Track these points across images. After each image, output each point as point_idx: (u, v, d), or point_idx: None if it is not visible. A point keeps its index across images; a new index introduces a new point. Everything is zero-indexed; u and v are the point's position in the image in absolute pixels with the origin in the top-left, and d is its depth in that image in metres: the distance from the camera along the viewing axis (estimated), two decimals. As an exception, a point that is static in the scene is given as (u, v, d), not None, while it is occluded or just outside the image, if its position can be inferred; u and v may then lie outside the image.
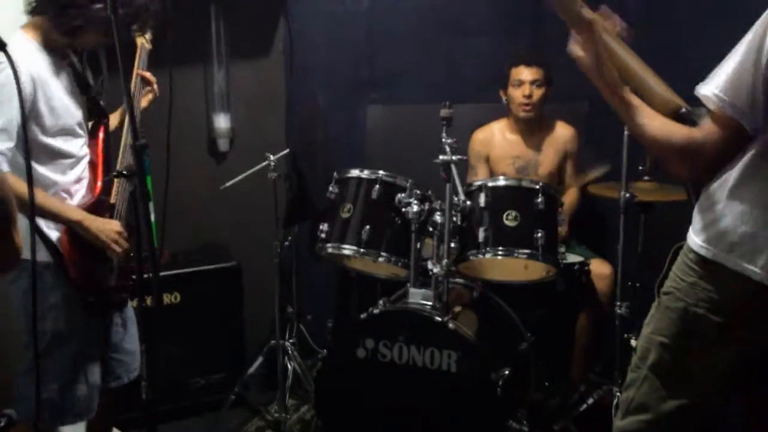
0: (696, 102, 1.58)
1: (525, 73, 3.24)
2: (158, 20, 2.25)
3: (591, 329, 3.15)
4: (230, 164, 3.46)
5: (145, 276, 2.00)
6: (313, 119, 3.44)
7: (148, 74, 2.41)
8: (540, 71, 3.22)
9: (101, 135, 2.36)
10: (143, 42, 2.38)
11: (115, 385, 2.44)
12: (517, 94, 3.26)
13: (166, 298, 3.15)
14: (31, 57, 2.10)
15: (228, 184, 2.97)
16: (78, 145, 2.25)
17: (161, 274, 3.09)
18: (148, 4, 2.17)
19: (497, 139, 3.41)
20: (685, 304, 1.63)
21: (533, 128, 3.35)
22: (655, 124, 1.60)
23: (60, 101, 2.16)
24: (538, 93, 3.24)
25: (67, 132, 2.20)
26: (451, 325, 2.51)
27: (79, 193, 2.26)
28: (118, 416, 2.64)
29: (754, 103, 1.44)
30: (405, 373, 2.54)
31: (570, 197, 3.34)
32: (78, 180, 2.26)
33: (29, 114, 2.04)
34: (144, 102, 2.46)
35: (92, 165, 2.32)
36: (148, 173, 3.26)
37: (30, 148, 2.03)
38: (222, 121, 3.45)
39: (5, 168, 1.94)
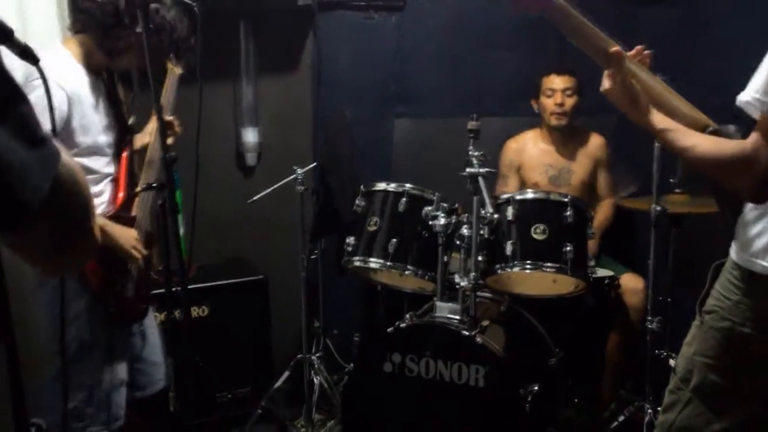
0: (723, 119, 1.56)
1: (557, 82, 3.23)
2: (193, 50, 2.27)
3: (622, 345, 3.10)
4: (258, 178, 3.48)
5: (173, 289, 2.02)
6: (341, 133, 3.44)
7: (170, 119, 2.39)
8: (572, 80, 3.22)
9: (126, 151, 2.37)
10: (173, 66, 2.39)
11: (141, 395, 2.45)
12: (550, 103, 3.25)
13: (194, 311, 3.16)
14: (71, 74, 2.13)
15: (255, 198, 2.99)
16: (104, 163, 2.27)
17: (189, 287, 3.13)
18: (189, 35, 2.20)
19: (530, 148, 3.39)
20: (731, 324, 1.58)
21: (566, 137, 3.34)
22: (703, 143, 1.57)
23: (93, 120, 2.19)
24: (570, 101, 3.23)
25: (95, 150, 2.22)
26: (478, 340, 2.48)
27: (100, 207, 2.28)
28: (147, 428, 2.65)
29: None
30: (432, 388, 2.51)
31: (603, 210, 3.31)
32: (98, 194, 2.27)
33: (61, 132, 2.04)
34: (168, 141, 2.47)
35: (114, 180, 2.33)
36: (177, 187, 3.33)
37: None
38: (250, 136, 3.48)
39: None
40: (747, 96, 1.46)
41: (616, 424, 2.90)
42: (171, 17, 2.14)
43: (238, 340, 3.22)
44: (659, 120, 1.65)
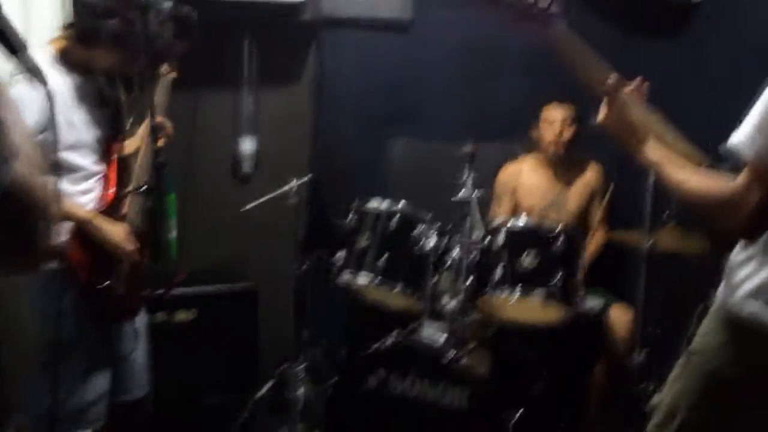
0: (716, 159, 1.57)
1: (557, 112, 3.25)
2: (177, 55, 2.27)
3: (608, 375, 3.09)
4: (254, 187, 3.48)
5: (158, 292, 2.02)
6: (338, 148, 3.46)
7: (162, 120, 2.38)
8: (571, 109, 3.23)
9: (117, 150, 2.38)
10: (166, 69, 2.40)
11: (125, 398, 2.43)
12: (549, 133, 3.27)
13: (182, 315, 3.16)
14: (54, 71, 2.14)
15: (249, 206, 2.99)
16: (92, 160, 2.28)
17: (178, 291, 3.13)
18: (172, 44, 2.19)
19: (526, 173, 3.41)
20: (715, 366, 1.57)
21: (563, 165, 3.35)
22: (695, 179, 1.58)
23: (77, 117, 2.20)
24: (568, 132, 3.25)
25: (80, 147, 2.22)
26: (463, 362, 2.48)
27: (88, 202, 2.27)
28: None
29: None
30: (415, 407, 2.52)
31: (594, 241, 3.32)
32: (87, 191, 2.27)
33: (45, 128, 2.06)
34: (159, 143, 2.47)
35: (105, 178, 2.33)
36: (171, 190, 3.34)
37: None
38: (248, 144, 3.49)
39: None
40: (738, 138, 1.47)
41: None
42: (155, 21, 2.12)
43: (225, 346, 3.20)
44: (655, 152, 1.66)
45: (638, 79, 1.74)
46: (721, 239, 1.67)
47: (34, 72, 1.04)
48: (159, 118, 2.33)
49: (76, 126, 2.19)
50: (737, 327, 1.54)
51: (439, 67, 3.60)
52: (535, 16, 1.51)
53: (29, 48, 0.99)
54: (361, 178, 3.54)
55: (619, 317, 3.05)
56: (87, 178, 2.26)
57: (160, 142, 2.33)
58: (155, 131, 2.03)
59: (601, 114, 1.70)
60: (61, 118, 2.11)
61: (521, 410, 2.51)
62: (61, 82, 2.16)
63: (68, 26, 2.19)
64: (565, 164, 3.35)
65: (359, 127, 3.56)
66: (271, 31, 3.41)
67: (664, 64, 3.40)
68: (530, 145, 3.42)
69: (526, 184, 3.38)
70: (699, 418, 1.61)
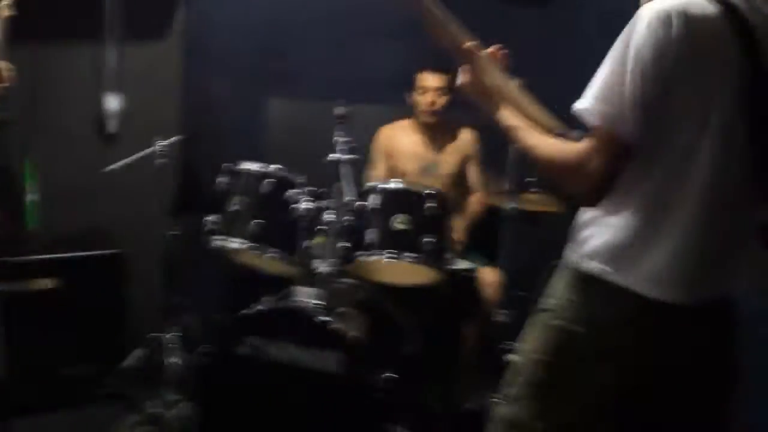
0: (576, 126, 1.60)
1: (430, 80, 3.26)
2: None
3: (477, 335, 3.19)
4: (120, 148, 3.31)
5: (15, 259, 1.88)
6: (209, 106, 3.33)
7: None
8: (444, 79, 3.24)
9: None
10: (2, 8, 2.19)
11: None
12: (421, 101, 3.29)
13: (42, 284, 2.99)
14: None
15: (112, 167, 2.84)
16: None
17: (39, 257, 2.95)
18: None
19: (401, 137, 3.42)
20: (563, 323, 1.61)
21: (436, 131, 3.38)
22: (544, 144, 1.62)
23: None
24: (441, 101, 3.27)
25: None
26: (334, 325, 2.48)
27: None
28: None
29: (627, 112, 1.43)
30: (288, 372, 2.49)
31: (472, 204, 3.39)
32: None
33: None
34: None
35: None
36: (25, 153, 3.11)
37: None
38: (112, 102, 3.31)
39: None
40: (583, 103, 1.51)
41: (469, 412, 2.98)
42: None
43: (90, 315, 3.07)
44: (509, 117, 1.69)
45: (496, 46, 1.76)
46: (572, 202, 1.71)
47: None
48: None
49: None
50: (581, 284, 1.60)
51: (316, 25, 3.51)
52: None
53: None
54: (234, 139, 3.43)
55: (487, 279, 3.14)
56: None
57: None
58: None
59: (460, 78, 1.72)
60: None
61: (392, 372, 2.54)
62: None
63: None
64: (438, 129, 3.38)
65: (232, 85, 3.45)
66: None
67: (533, 31, 3.47)
68: (407, 110, 3.43)
69: (401, 148, 3.40)
70: (544, 374, 1.66)
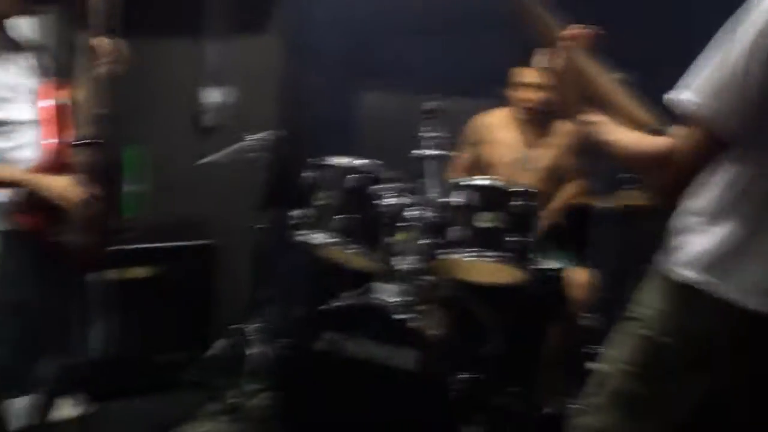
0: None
1: (527, 75, 3.15)
2: None
3: (563, 339, 3.06)
4: (217, 140, 3.40)
5: (113, 248, 1.96)
6: (305, 101, 3.37)
7: (98, 42, 2.20)
8: (542, 74, 3.12)
9: (50, 94, 2.25)
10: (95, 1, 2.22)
11: (65, 362, 2.36)
12: (518, 96, 3.19)
13: (138, 272, 3.12)
14: None
15: (204, 160, 2.92)
16: (16, 110, 2.17)
17: (135, 246, 3.08)
18: None
19: (496, 127, 3.30)
20: (653, 333, 1.53)
21: (533, 123, 3.25)
22: (626, 139, 1.56)
23: None
24: (538, 97, 3.15)
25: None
26: (413, 323, 2.45)
27: (27, 156, 2.18)
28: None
29: (737, 107, 1.33)
30: (364, 368, 2.49)
31: (570, 188, 3.23)
32: (22, 145, 2.17)
33: None
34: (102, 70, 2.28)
35: (42, 126, 2.21)
36: (132, 144, 3.26)
37: None
38: (212, 96, 3.40)
39: None
40: (684, 94, 1.40)
41: (549, 417, 2.87)
42: None
43: (181, 304, 3.18)
44: (589, 113, 1.63)
45: (588, 28, 1.68)
46: (665, 201, 1.62)
47: None
48: (94, 42, 2.17)
49: None
50: (674, 294, 1.51)
51: (415, 18, 3.47)
52: None
53: None
54: (329, 134, 3.46)
55: (576, 279, 3.00)
56: (15, 130, 2.16)
57: (105, 68, 2.19)
58: (98, 84, 1.91)
59: (550, 66, 1.67)
60: None
61: (471, 371, 2.48)
62: None
63: None
64: (536, 122, 3.26)
65: (329, 79, 3.47)
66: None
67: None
68: (504, 103, 3.34)
69: (495, 138, 3.29)
70: (631, 384, 1.58)
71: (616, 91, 1.67)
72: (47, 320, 2.25)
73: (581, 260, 3.12)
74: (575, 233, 3.25)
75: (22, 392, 2.25)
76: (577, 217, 3.25)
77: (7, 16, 2.22)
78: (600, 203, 2.67)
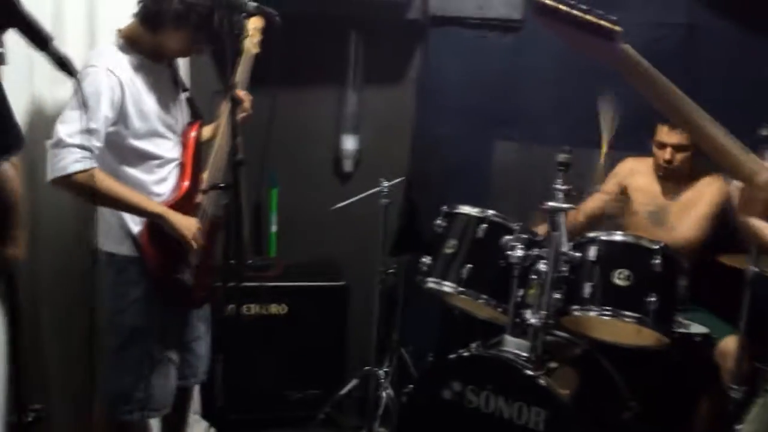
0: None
1: (668, 136, 2.98)
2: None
3: (712, 412, 2.83)
4: (354, 185, 3.50)
5: (230, 284, 2.04)
6: (437, 149, 3.40)
7: (241, 94, 2.34)
8: (684, 136, 2.95)
9: (193, 136, 2.39)
10: (249, 46, 2.35)
11: (181, 385, 2.46)
12: (659, 155, 3.03)
13: (274, 309, 3.24)
14: (123, 60, 2.17)
15: (339, 205, 3.01)
16: (168, 147, 2.30)
17: (271, 284, 3.20)
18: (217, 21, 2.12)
19: (641, 174, 3.16)
20: None
21: (676, 177, 3.08)
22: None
23: (150, 104, 2.22)
24: (679, 157, 2.98)
25: (156, 134, 2.25)
26: (542, 381, 2.36)
27: (165, 192, 2.30)
28: (176, 419, 2.65)
29: None
30: (489, 423, 2.42)
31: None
32: (162, 180, 2.30)
33: (118, 118, 2.12)
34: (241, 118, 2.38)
35: (181, 165, 2.35)
36: (274, 186, 3.42)
37: (119, 151, 2.17)
38: (350, 143, 3.51)
39: (88, 165, 2.02)
40: None
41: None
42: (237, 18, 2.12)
43: (314, 342, 3.27)
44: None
45: None
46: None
47: (63, 63, 1.07)
48: (238, 92, 2.28)
49: (148, 114, 2.21)
50: None
51: (547, 69, 3.43)
52: (596, 35, 1.33)
53: (55, 40, 1.01)
54: (460, 182, 3.46)
55: (728, 349, 2.76)
56: (161, 166, 2.29)
57: (241, 116, 2.26)
58: (234, 107, 2.01)
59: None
60: (131, 107, 2.15)
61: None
62: (130, 69, 2.17)
63: (135, 13, 2.19)
64: (677, 177, 3.08)
65: (461, 128, 3.48)
66: (377, 29, 3.42)
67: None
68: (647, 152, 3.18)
69: (636, 185, 3.15)
70: None
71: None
72: (168, 346, 2.35)
73: (732, 327, 2.89)
74: (725, 297, 3.02)
75: (147, 414, 2.35)
76: (726, 279, 3.03)
77: (180, 55, 2.39)
78: (750, 266, 2.46)
